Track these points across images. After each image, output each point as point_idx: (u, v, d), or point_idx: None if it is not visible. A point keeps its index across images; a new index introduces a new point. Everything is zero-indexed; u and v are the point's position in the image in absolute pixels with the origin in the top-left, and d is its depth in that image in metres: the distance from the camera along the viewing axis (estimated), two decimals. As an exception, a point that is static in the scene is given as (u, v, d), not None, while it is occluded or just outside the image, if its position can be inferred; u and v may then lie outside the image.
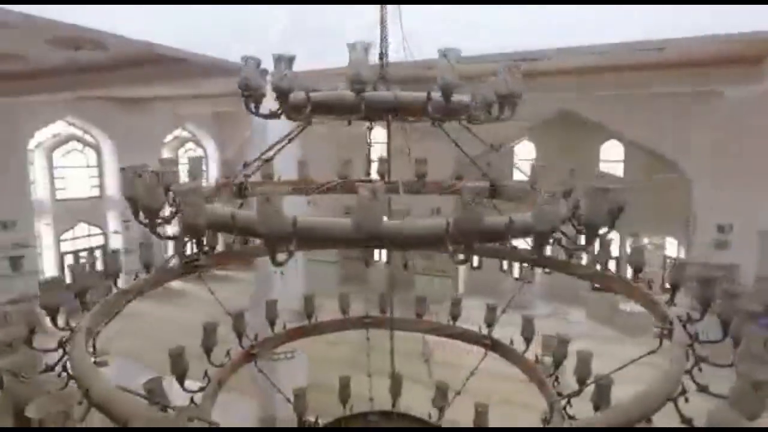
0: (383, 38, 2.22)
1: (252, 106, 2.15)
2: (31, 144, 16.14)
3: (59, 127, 16.89)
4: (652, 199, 14.53)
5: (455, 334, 3.26)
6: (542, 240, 1.47)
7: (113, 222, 17.95)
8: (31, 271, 14.22)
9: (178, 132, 20.94)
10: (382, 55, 2.22)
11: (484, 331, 3.14)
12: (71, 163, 17.40)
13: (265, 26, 5.99)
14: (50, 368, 1.66)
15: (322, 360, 9.29)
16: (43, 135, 16.57)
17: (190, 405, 2.03)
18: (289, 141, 2.77)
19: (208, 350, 2.80)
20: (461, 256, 1.42)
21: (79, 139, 17.71)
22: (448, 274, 16.68)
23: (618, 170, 15.79)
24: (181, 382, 2.52)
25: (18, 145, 15.12)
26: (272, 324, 3.30)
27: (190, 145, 22.14)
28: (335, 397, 3.17)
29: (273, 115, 2.02)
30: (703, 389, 1.57)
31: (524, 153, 17.11)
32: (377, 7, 2.97)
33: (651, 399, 1.35)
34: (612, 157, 15.95)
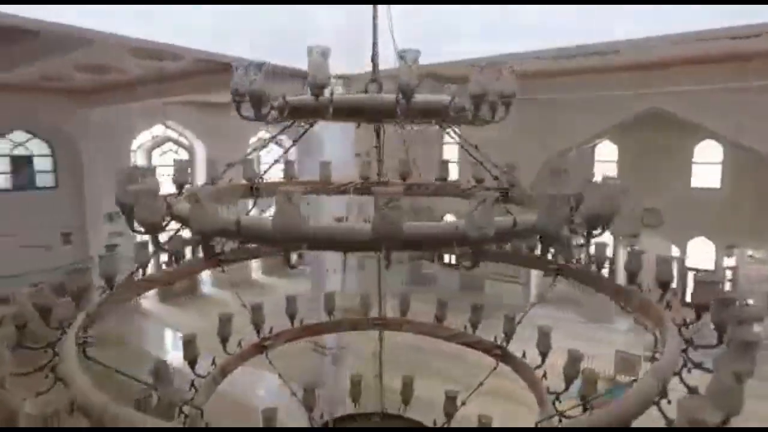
0: (374, 40, 2.23)
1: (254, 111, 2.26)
2: (134, 145, 18.11)
3: (158, 130, 18.76)
4: (755, 206, 12.91)
5: (469, 343, 3.16)
6: (475, 247, 1.39)
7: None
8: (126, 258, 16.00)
9: (261, 133, 22.27)
10: (374, 57, 2.23)
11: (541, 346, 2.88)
12: (167, 163, 19.24)
13: (315, 31, 6.22)
14: (48, 345, 1.87)
15: (369, 355, 9.49)
16: (144, 137, 18.51)
17: (177, 389, 2.17)
18: (294, 143, 2.87)
19: (223, 339, 2.97)
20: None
21: (174, 141, 19.53)
22: (519, 279, 16.07)
23: (715, 173, 14.21)
24: (192, 367, 2.71)
25: (123, 146, 17.03)
26: (292, 319, 3.44)
27: (272, 146, 23.39)
28: (374, 392, 3.25)
29: (260, 118, 2.11)
30: (670, 423, 1.39)
31: (606, 154, 16.01)
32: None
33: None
34: (708, 159, 14.39)
